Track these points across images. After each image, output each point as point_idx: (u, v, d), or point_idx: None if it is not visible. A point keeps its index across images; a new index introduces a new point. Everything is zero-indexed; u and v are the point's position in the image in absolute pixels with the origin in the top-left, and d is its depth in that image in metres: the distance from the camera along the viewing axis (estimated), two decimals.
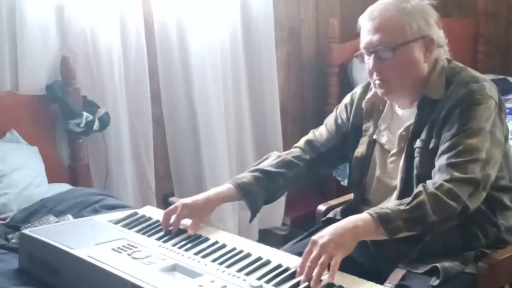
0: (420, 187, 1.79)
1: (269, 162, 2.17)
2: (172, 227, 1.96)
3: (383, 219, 1.73)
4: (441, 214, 1.76)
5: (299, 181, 2.22)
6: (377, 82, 1.96)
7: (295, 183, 2.20)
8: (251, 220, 2.13)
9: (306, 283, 1.61)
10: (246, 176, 2.11)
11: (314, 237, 1.71)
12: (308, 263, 1.64)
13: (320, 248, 1.67)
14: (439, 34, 1.97)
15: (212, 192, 2.08)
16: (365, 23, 1.96)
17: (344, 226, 1.73)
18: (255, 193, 2.08)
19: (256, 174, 2.11)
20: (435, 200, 1.76)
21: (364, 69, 3.74)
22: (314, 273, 1.61)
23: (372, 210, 1.76)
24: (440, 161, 1.83)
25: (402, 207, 1.76)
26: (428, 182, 1.82)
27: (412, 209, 1.75)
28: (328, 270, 1.64)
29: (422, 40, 1.93)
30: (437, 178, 1.81)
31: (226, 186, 2.09)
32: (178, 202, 2.02)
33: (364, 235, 1.74)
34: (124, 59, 3.14)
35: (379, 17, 1.93)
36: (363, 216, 1.75)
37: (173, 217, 1.97)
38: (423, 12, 1.95)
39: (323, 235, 1.70)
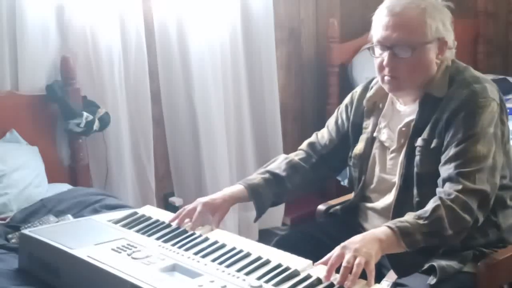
0: (437, 200, 1.80)
1: (278, 164, 2.20)
2: (185, 224, 1.98)
3: (404, 233, 1.74)
4: (456, 227, 1.78)
5: (306, 185, 2.24)
6: (387, 78, 1.97)
7: (301, 186, 2.22)
8: (255, 220, 2.16)
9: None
10: (256, 178, 2.14)
11: (343, 243, 1.70)
12: (345, 263, 1.63)
13: (354, 251, 1.66)
14: (451, 36, 1.98)
15: (226, 192, 2.11)
16: (383, 18, 1.94)
17: (371, 237, 1.72)
18: (263, 195, 2.11)
19: (266, 176, 2.15)
20: (452, 214, 1.77)
21: (364, 69, 3.78)
22: (352, 273, 1.61)
23: (391, 223, 1.76)
24: (448, 169, 1.84)
25: (421, 221, 1.76)
26: (441, 192, 1.81)
27: (431, 224, 1.76)
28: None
29: (437, 42, 1.93)
30: (449, 187, 1.82)
31: (238, 187, 2.12)
32: (196, 201, 2.05)
33: (387, 249, 1.75)
34: (124, 59, 3.13)
35: (402, 14, 1.91)
36: (384, 230, 1.75)
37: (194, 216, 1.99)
38: (442, 14, 1.95)
39: (353, 242, 1.70)
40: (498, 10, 4.60)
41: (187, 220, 1.99)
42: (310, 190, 2.39)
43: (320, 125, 2.29)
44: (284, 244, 1.98)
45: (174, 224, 1.99)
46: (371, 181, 2.08)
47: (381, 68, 1.97)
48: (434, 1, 1.95)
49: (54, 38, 2.97)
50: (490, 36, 4.59)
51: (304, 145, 2.26)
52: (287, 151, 3.62)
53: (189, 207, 2.03)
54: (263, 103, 3.67)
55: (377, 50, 1.98)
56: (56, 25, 2.97)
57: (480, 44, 4.55)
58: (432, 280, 1.81)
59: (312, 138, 2.26)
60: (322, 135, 2.24)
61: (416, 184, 1.92)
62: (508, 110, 2.00)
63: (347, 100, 2.22)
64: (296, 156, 2.23)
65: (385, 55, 1.94)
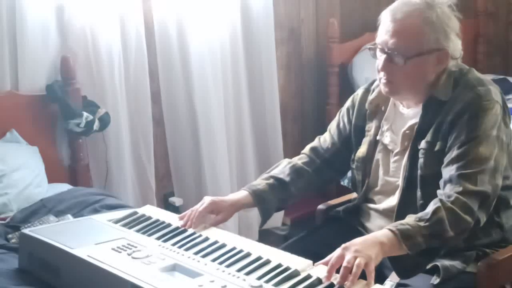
0: (437, 202, 1.80)
1: (282, 169, 2.20)
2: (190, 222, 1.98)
3: (405, 236, 1.74)
4: (457, 228, 1.78)
5: (310, 188, 2.24)
6: (383, 80, 1.97)
7: (305, 190, 2.22)
8: (261, 226, 2.20)
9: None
10: (260, 183, 2.14)
11: (345, 245, 1.70)
12: (345, 264, 1.63)
13: (354, 252, 1.66)
14: (456, 47, 1.94)
15: (234, 197, 2.11)
16: (386, 22, 1.93)
17: (372, 240, 1.73)
18: (268, 200, 2.12)
19: (270, 181, 2.15)
20: (452, 215, 1.77)
21: (364, 69, 3.78)
22: (352, 274, 1.61)
23: (393, 226, 1.76)
24: (450, 170, 1.84)
25: (422, 223, 1.76)
26: (442, 194, 1.82)
27: (431, 226, 1.76)
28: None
29: (436, 53, 1.91)
30: (449, 189, 1.82)
31: (243, 193, 2.12)
32: (205, 198, 2.07)
33: (388, 252, 1.75)
34: (124, 59, 3.13)
35: (401, 21, 1.90)
36: (385, 233, 1.75)
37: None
38: (446, 24, 1.91)
39: (354, 243, 1.70)
40: (498, 10, 4.60)
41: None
42: (314, 192, 2.38)
43: (320, 125, 2.29)
44: None
45: (175, 224, 1.99)
46: (375, 183, 2.08)
47: (379, 71, 1.97)
48: (441, 10, 1.91)
49: (54, 38, 2.97)
50: (490, 36, 4.59)
51: (306, 149, 2.26)
52: (287, 151, 3.64)
53: (196, 207, 2.03)
54: (263, 103, 3.67)
55: (378, 52, 1.98)
56: (56, 25, 2.97)
57: (480, 44, 4.55)
58: (435, 280, 1.82)
59: (315, 143, 2.26)
60: (325, 139, 2.24)
61: (420, 186, 1.92)
62: (510, 111, 2.00)
63: (348, 103, 2.21)
64: (300, 160, 2.23)
65: (382, 58, 1.95)
